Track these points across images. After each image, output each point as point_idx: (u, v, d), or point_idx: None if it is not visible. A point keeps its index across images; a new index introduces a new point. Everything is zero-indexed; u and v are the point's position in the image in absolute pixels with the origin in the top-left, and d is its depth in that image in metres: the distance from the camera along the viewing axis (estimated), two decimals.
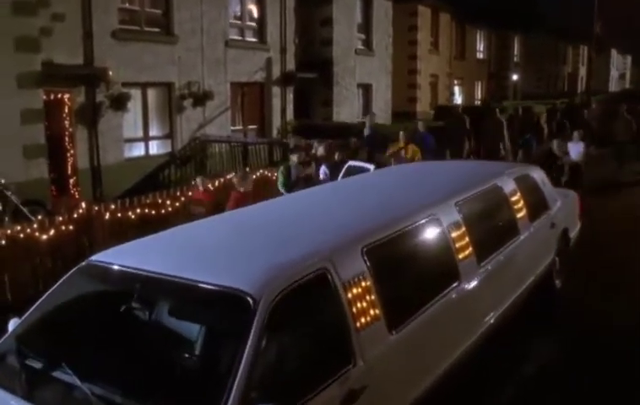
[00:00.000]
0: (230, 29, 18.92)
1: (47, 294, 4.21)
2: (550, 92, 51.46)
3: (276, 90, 20.73)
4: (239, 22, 19.48)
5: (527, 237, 6.52)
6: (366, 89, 25.79)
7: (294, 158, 10.23)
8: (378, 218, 4.75)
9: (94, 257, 4.28)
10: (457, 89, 39.72)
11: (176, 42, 16.90)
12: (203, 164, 16.39)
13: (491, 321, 5.52)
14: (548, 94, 48.69)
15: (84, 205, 7.95)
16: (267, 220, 4.98)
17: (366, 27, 25.34)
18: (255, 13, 20.05)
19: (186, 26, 17.19)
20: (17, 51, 12.52)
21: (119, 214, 8.24)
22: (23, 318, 4.12)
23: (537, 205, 7.15)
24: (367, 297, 3.95)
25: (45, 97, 13.58)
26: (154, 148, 17.02)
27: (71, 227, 7.63)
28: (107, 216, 8.09)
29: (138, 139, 16.59)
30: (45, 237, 7.33)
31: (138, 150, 16.60)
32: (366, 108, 25.71)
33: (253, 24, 20.03)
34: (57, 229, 7.49)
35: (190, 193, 9.52)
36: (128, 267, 3.99)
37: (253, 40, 19.99)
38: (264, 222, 4.91)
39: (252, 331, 3.22)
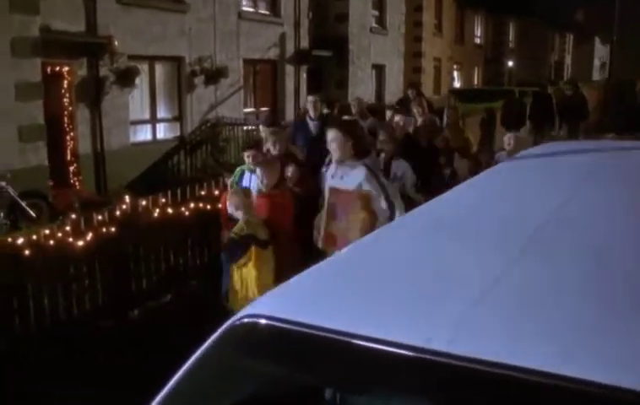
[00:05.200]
0: (243, 0, 16.90)
1: (169, 390, 2.13)
2: (540, 79, 50.46)
3: (289, 69, 18.74)
4: None
5: None
6: (380, 71, 23.91)
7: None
8: None
9: (252, 309, 2.18)
10: (456, 75, 38.20)
11: (186, 11, 14.78)
12: (221, 150, 14.37)
13: None
14: (538, 81, 47.60)
15: (127, 199, 5.93)
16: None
17: (379, 3, 23.42)
18: None
19: None
20: (12, 12, 10.36)
21: (169, 210, 6.26)
22: None
23: None
24: None
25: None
26: (162, 131, 14.92)
27: (112, 229, 5.63)
28: (156, 213, 6.10)
29: (145, 121, 14.48)
30: (81, 244, 5.32)
31: (144, 134, 14.49)
32: (379, 91, 23.87)
33: None
34: (96, 232, 5.49)
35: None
36: (372, 341, 1.72)
37: (266, 12, 17.95)
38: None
39: None
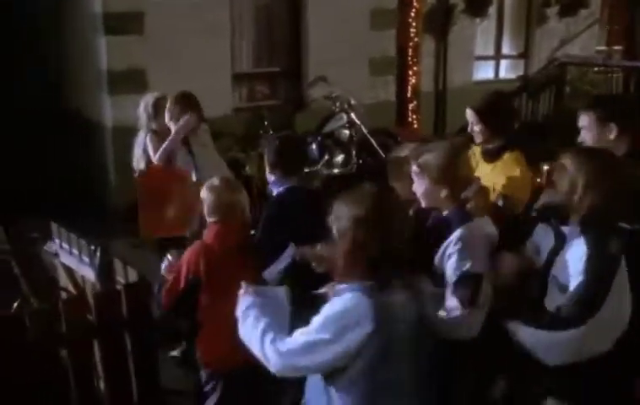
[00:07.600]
0: None
1: None
2: None
3: None
4: None
5: None
6: None
7: None
8: None
9: None
10: None
11: None
12: (571, 95, 12.22)
13: None
14: None
15: None
16: None
17: None
18: None
19: None
20: None
21: None
22: None
23: None
24: None
25: None
26: (504, 69, 13.28)
27: None
28: None
29: (489, 57, 12.97)
30: None
31: (486, 71, 12.99)
32: None
33: None
34: None
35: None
36: None
37: None
38: None
39: None
